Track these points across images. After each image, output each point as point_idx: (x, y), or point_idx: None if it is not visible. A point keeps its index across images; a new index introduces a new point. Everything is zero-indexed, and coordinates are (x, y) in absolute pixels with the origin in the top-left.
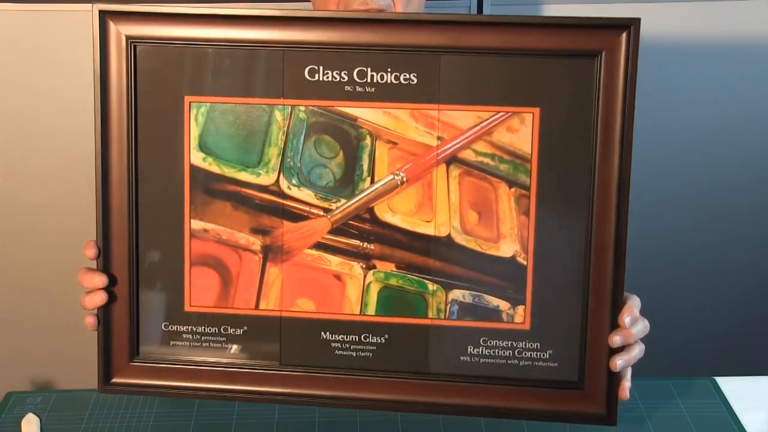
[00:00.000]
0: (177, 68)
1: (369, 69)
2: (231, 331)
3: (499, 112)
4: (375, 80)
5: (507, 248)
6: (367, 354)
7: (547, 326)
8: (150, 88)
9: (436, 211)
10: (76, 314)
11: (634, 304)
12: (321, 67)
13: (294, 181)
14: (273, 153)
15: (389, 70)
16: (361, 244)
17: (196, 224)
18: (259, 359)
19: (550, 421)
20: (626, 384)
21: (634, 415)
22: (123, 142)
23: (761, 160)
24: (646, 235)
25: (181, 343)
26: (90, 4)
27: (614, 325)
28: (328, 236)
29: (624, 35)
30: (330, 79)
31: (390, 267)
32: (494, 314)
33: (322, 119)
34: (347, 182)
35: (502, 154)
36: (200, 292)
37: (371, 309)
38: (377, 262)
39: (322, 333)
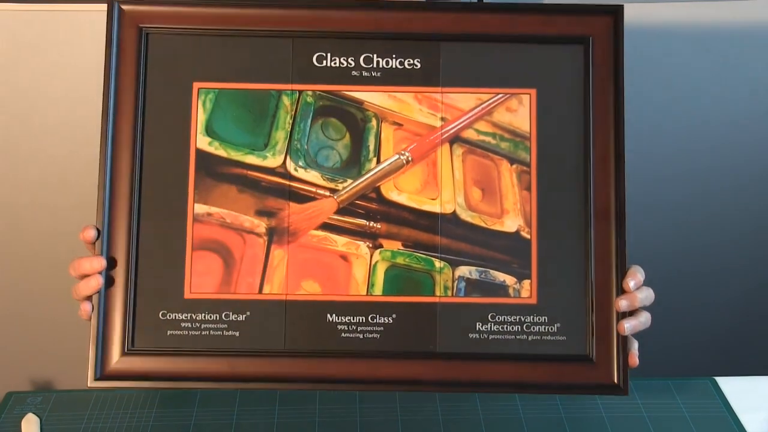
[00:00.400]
0: (187, 55)
1: (375, 55)
2: (233, 317)
3: (498, 93)
4: (381, 65)
5: (511, 223)
6: (375, 335)
7: (554, 299)
8: (159, 74)
9: (441, 188)
10: (76, 314)
11: (637, 270)
12: (329, 54)
13: (301, 163)
14: (280, 136)
15: (394, 55)
16: (367, 223)
17: (200, 208)
18: (262, 345)
19: (561, 394)
20: (635, 352)
21: (634, 415)
22: (129, 127)
23: (761, 160)
24: (645, 235)
25: (178, 333)
26: (87, 4)
27: (619, 292)
28: (335, 216)
29: (611, 21)
30: (338, 65)
31: (396, 245)
32: (501, 289)
33: (329, 103)
34: (354, 163)
35: (502, 133)
36: (201, 277)
37: (378, 289)
38: (384, 241)
39: (328, 315)
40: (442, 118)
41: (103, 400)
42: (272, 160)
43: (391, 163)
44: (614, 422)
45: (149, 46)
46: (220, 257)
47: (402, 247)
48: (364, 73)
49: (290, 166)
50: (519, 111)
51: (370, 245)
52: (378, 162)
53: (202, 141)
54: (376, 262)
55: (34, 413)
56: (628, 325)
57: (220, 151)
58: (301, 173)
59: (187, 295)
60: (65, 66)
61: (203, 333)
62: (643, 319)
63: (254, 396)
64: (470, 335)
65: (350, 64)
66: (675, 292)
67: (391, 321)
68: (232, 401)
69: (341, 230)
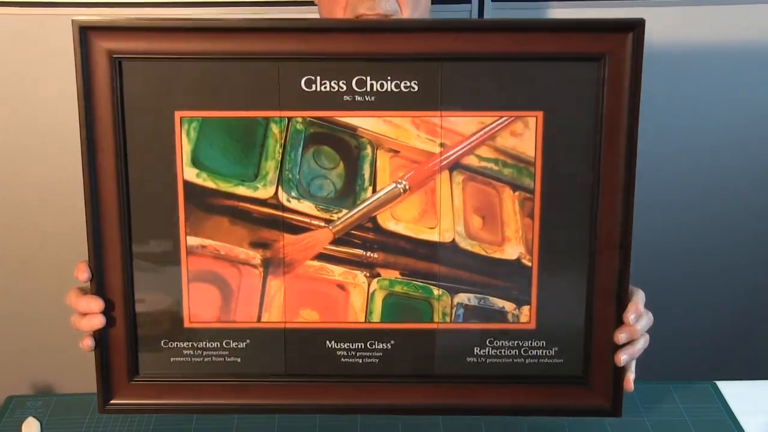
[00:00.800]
0: (166, 83)
1: (368, 78)
2: (234, 344)
3: (502, 117)
4: (375, 89)
5: (512, 251)
6: (374, 360)
7: (553, 324)
8: (138, 104)
9: (440, 217)
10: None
11: (638, 300)
12: (318, 78)
13: (293, 194)
14: (270, 166)
15: (389, 78)
16: (364, 253)
17: (193, 240)
18: (263, 371)
19: (557, 416)
20: (630, 376)
21: (635, 419)
22: (111, 161)
23: (761, 163)
24: (646, 238)
25: (181, 359)
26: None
27: (619, 320)
28: (331, 246)
29: (628, 37)
30: (328, 89)
31: (394, 274)
32: (500, 315)
33: (320, 130)
34: (348, 192)
35: (505, 159)
36: (200, 307)
37: (376, 316)
38: (381, 270)
39: (327, 342)
40: (442, 144)
41: None
42: (263, 191)
43: (387, 192)
44: (615, 426)
45: (124, 74)
46: (217, 288)
47: (400, 276)
48: (357, 98)
49: (282, 196)
50: (524, 135)
51: (368, 274)
52: (374, 191)
53: (189, 173)
54: (374, 291)
55: (34, 417)
56: (624, 357)
57: (209, 183)
58: (294, 204)
59: (187, 324)
60: (64, 71)
61: (206, 360)
62: (641, 345)
63: None
64: (468, 359)
65: (342, 87)
66: (675, 296)
67: (390, 347)
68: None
69: (338, 260)
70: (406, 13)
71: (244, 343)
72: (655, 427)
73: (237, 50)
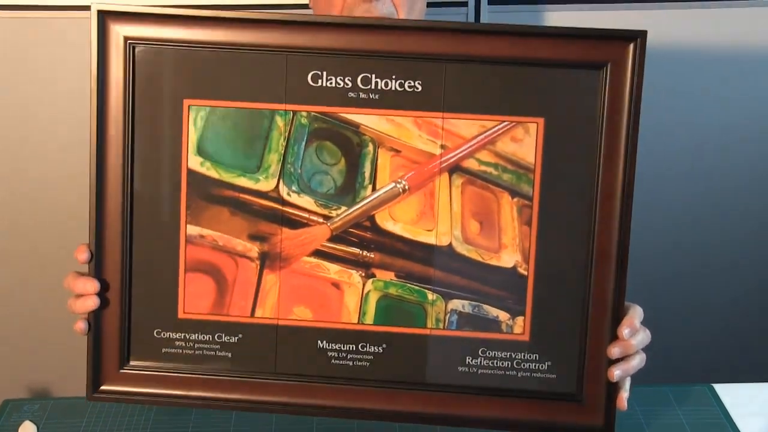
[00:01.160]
0: (176, 70)
1: (373, 75)
2: (225, 338)
3: (503, 121)
4: (379, 87)
5: (508, 258)
6: (365, 363)
7: (547, 338)
8: (148, 90)
9: (438, 220)
10: (73, 322)
11: (634, 315)
12: (324, 73)
13: (294, 188)
14: (273, 159)
15: (394, 77)
16: (360, 252)
17: (192, 229)
18: (253, 367)
19: None
20: (624, 395)
21: (632, 422)
22: (119, 144)
23: (761, 165)
24: (644, 241)
25: (173, 351)
26: (86, 11)
27: (614, 336)
28: (328, 244)
29: (630, 47)
30: (333, 84)
31: (389, 276)
32: (493, 325)
33: (324, 125)
34: (348, 190)
35: (505, 164)
36: (194, 298)
37: (369, 318)
38: (377, 271)
39: (319, 342)
40: (442, 146)
41: (99, 408)
42: (265, 184)
43: (386, 191)
44: None
45: (136, 60)
46: (213, 279)
47: (395, 278)
48: (362, 95)
49: (283, 190)
50: (524, 141)
51: (363, 274)
52: (373, 189)
53: (194, 161)
54: (369, 292)
55: (31, 421)
56: (618, 372)
57: (212, 172)
58: (294, 198)
59: (180, 315)
60: (66, 71)
61: (197, 352)
62: (636, 363)
63: None
64: (459, 368)
65: (347, 84)
66: (673, 299)
67: (381, 350)
68: (226, 410)
69: (334, 258)
70: (402, 16)
71: (236, 338)
72: (653, 430)
73: (247, 41)
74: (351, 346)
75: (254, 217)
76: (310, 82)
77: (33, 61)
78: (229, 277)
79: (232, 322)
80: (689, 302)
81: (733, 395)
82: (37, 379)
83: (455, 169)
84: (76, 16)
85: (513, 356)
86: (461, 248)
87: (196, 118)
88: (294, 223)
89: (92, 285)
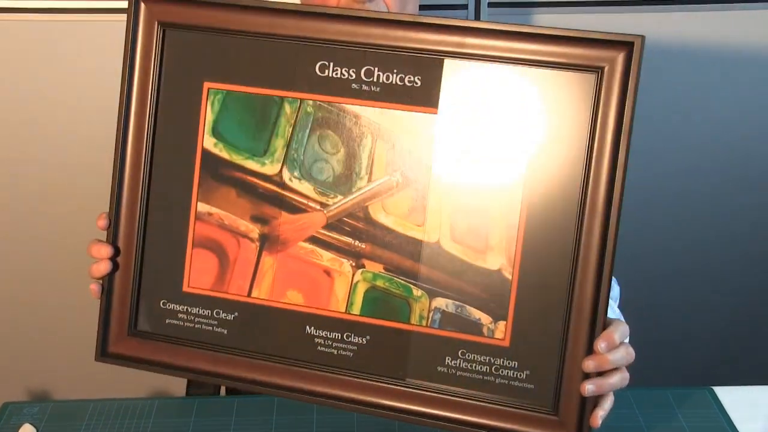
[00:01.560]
0: (200, 54)
1: (376, 69)
2: (223, 315)
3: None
4: (381, 80)
5: (494, 260)
6: (348, 353)
7: (527, 345)
8: (173, 71)
9: (427, 215)
10: (73, 324)
11: (615, 330)
12: (331, 63)
13: (296, 173)
14: (279, 144)
15: (395, 71)
16: (352, 242)
17: (202, 207)
18: (246, 346)
19: None
20: (599, 412)
21: (633, 426)
22: (143, 121)
23: (761, 164)
24: (644, 243)
25: (176, 322)
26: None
27: (592, 350)
28: (323, 231)
29: (627, 51)
30: (339, 75)
31: (378, 268)
32: (475, 327)
33: (327, 114)
34: (345, 179)
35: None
36: (199, 273)
37: (356, 308)
38: (366, 262)
39: (307, 327)
40: (437, 141)
41: (100, 410)
42: (270, 167)
43: (381, 183)
44: None
45: (165, 41)
46: (217, 257)
47: (383, 270)
48: (364, 87)
49: (286, 175)
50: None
51: (353, 264)
52: (369, 181)
53: (208, 141)
54: (357, 282)
55: (30, 424)
56: (591, 387)
57: (224, 153)
58: (295, 183)
59: (185, 288)
60: (71, 73)
61: (196, 326)
62: (614, 380)
63: (251, 406)
64: (439, 368)
65: (351, 75)
66: (673, 302)
67: (365, 342)
68: (229, 410)
69: (328, 245)
70: (393, 8)
71: (233, 316)
72: None
73: (263, 30)
74: (337, 334)
75: (258, 200)
76: (318, 72)
77: (52, 61)
78: (231, 256)
79: (230, 300)
80: (689, 304)
81: (734, 398)
82: (36, 381)
83: (448, 165)
84: (83, 19)
85: (492, 361)
86: (449, 246)
87: (213, 101)
88: (293, 208)
89: (106, 250)
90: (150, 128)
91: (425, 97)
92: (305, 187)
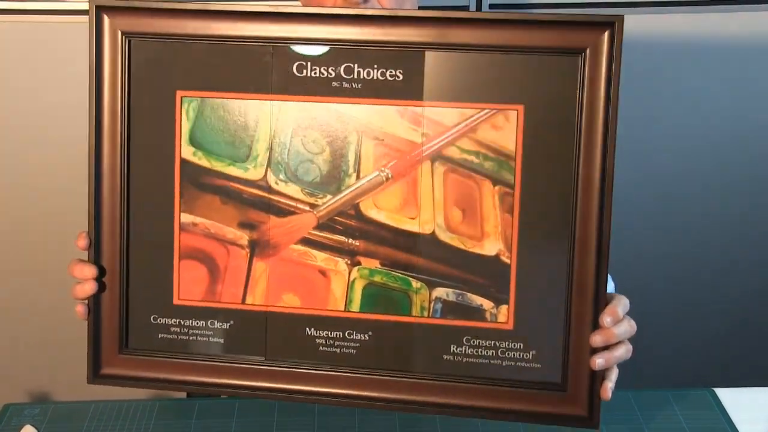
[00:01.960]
0: (169, 63)
1: (356, 65)
2: (218, 325)
3: (483, 109)
4: (362, 76)
5: (491, 246)
6: (351, 351)
7: (531, 326)
8: (143, 82)
9: (421, 208)
10: (73, 325)
11: (618, 304)
12: (309, 63)
13: (281, 176)
14: (261, 148)
15: (376, 66)
16: (346, 240)
17: (186, 218)
18: (244, 354)
19: (532, 422)
20: (609, 384)
21: (632, 426)
22: (116, 135)
23: (762, 164)
24: (644, 243)
25: (169, 336)
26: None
27: (597, 326)
28: (314, 232)
29: (607, 33)
30: (317, 74)
31: (374, 264)
32: (477, 313)
33: (309, 114)
34: (333, 178)
35: (486, 152)
36: (189, 285)
37: (356, 306)
38: (362, 259)
39: (307, 329)
40: (424, 134)
41: (101, 412)
42: (253, 172)
43: (370, 179)
44: None
45: (132, 52)
46: (206, 267)
47: (380, 266)
48: (345, 84)
49: (271, 179)
50: (505, 128)
51: (349, 262)
52: (358, 178)
53: (186, 151)
54: (354, 279)
55: (31, 425)
56: (600, 361)
57: (204, 162)
58: (281, 187)
59: (176, 301)
60: (63, 74)
61: (191, 338)
62: (620, 353)
63: (252, 407)
64: (444, 357)
65: (330, 74)
66: (673, 302)
67: (368, 338)
68: (230, 412)
69: (321, 246)
70: (386, 3)
71: (228, 325)
72: None
73: (236, 34)
74: (338, 333)
75: (244, 206)
76: (296, 73)
77: (31, 63)
78: (221, 265)
79: (224, 309)
80: (690, 305)
81: (734, 399)
82: (37, 383)
83: (437, 157)
84: (67, 20)
85: (497, 345)
86: (444, 236)
87: (188, 109)
88: (282, 211)
89: (90, 270)
90: (124, 143)
91: (409, 90)
92: (292, 189)
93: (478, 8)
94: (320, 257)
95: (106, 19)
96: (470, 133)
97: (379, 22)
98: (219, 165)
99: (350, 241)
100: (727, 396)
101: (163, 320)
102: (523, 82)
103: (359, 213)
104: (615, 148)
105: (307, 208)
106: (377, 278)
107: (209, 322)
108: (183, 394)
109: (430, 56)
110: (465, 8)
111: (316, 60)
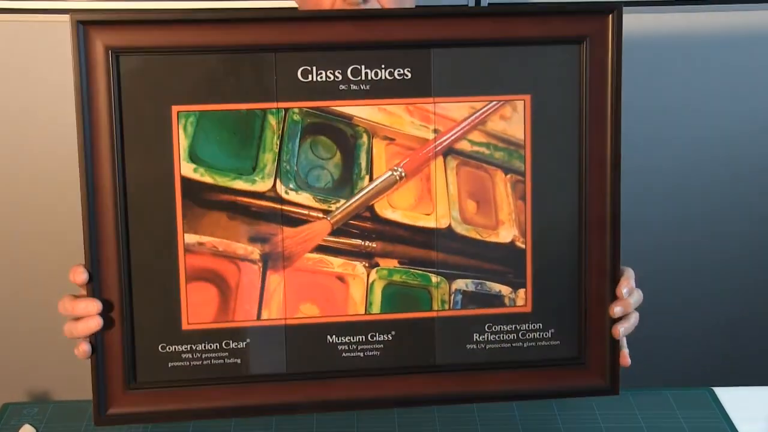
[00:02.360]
0: (162, 77)
1: (363, 66)
2: (233, 345)
3: (491, 101)
4: (369, 77)
5: (506, 234)
6: (375, 353)
7: (548, 306)
8: (134, 100)
9: (436, 203)
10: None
11: (630, 276)
12: (314, 68)
13: (291, 185)
14: (268, 158)
15: (383, 66)
16: (362, 243)
17: (191, 238)
18: (264, 371)
19: (556, 398)
20: (626, 351)
21: (632, 426)
22: (108, 158)
23: (762, 164)
24: (644, 243)
25: (180, 364)
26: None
27: (613, 297)
28: (329, 238)
29: (607, 19)
30: (324, 78)
31: (393, 263)
32: (497, 300)
33: (317, 120)
34: (346, 182)
35: (496, 142)
36: (198, 308)
37: (376, 307)
38: (380, 260)
39: (328, 337)
40: (435, 130)
41: None
42: (261, 184)
43: (384, 180)
44: None
45: (121, 69)
46: (216, 286)
47: (398, 265)
48: (353, 86)
49: (281, 189)
50: (513, 118)
51: (366, 265)
52: (371, 179)
53: (186, 168)
54: (373, 281)
55: (30, 424)
56: (623, 329)
57: (206, 178)
58: (292, 196)
59: (185, 326)
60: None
61: (204, 363)
62: (633, 320)
63: None
64: (468, 346)
65: (337, 77)
66: (672, 301)
67: (391, 338)
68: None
69: (337, 251)
70: (387, 3)
71: (244, 343)
72: None
73: (233, 42)
74: (360, 337)
75: (253, 219)
76: (300, 78)
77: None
78: (232, 282)
79: (238, 328)
80: (689, 304)
81: (734, 399)
82: (36, 382)
83: (449, 151)
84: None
85: (517, 328)
86: (460, 228)
87: (185, 125)
88: (294, 221)
89: (94, 305)
90: (118, 166)
91: (418, 87)
92: (304, 198)
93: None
94: (337, 263)
95: (90, 35)
96: (480, 125)
97: (383, 22)
98: (223, 180)
99: (367, 243)
100: (727, 395)
101: (172, 348)
102: (529, 72)
103: (374, 214)
104: (620, 129)
105: (321, 215)
106: (396, 277)
107: (223, 343)
108: None
109: (436, 53)
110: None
111: (321, 64)
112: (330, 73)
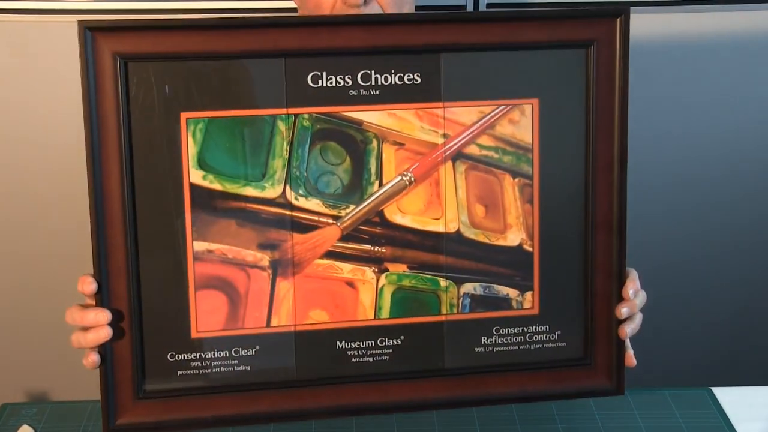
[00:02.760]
0: (171, 84)
1: (373, 72)
2: (243, 352)
3: (500, 105)
4: (379, 82)
5: (514, 237)
6: (384, 358)
7: (555, 308)
8: (143, 107)
9: (445, 207)
10: (71, 325)
11: (634, 278)
12: (324, 73)
13: (301, 191)
14: (278, 164)
15: (393, 71)
16: (372, 248)
17: (200, 245)
18: (274, 378)
19: (563, 399)
20: (630, 351)
21: (631, 426)
22: (117, 166)
23: (761, 168)
24: (643, 245)
25: (189, 372)
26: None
27: (619, 298)
28: (339, 243)
29: (615, 23)
30: (334, 84)
31: (402, 268)
32: (504, 303)
33: (326, 126)
34: (355, 187)
35: (505, 146)
36: (207, 316)
37: (385, 312)
38: (389, 265)
39: (338, 342)
40: (444, 135)
41: (98, 411)
42: (271, 191)
43: (393, 185)
44: None
45: (129, 75)
46: (225, 294)
47: (408, 270)
48: (363, 92)
49: (290, 195)
50: (521, 122)
51: (376, 270)
52: (380, 185)
53: (195, 175)
54: (383, 286)
55: (29, 425)
56: (629, 330)
57: (216, 185)
58: (302, 202)
59: (194, 334)
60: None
61: (214, 370)
62: (638, 321)
63: None
64: (476, 350)
65: (347, 82)
66: (671, 302)
67: (400, 342)
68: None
69: (346, 257)
70: (388, 9)
71: (254, 350)
72: None
73: (242, 49)
74: (370, 342)
75: (263, 226)
76: (311, 84)
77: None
78: (242, 290)
79: (248, 335)
80: (688, 305)
81: (732, 399)
82: (35, 383)
83: (458, 156)
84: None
85: (525, 330)
86: (469, 233)
87: (194, 131)
88: (304, 227)
89: (104, 315)
90: (126, 173)
91: (428, 92)
92: (313, 204)
93: (476, 8)
94: (346, 269)
95: (97, 41)
96: (489, 129)
97: (394, 27)
98: (233, 187)
99: (376, 248)
100: (725, 395)
101: (181, 356)
102: (537, 76)
103: (384, 219)
104: (627, 131)
105: (330, 220)
106: (406, 282)
107: (233, 350)
108: None
109: (446, 58)
110: (462, 8)
111: (331, 69)
112: (340, 78)
